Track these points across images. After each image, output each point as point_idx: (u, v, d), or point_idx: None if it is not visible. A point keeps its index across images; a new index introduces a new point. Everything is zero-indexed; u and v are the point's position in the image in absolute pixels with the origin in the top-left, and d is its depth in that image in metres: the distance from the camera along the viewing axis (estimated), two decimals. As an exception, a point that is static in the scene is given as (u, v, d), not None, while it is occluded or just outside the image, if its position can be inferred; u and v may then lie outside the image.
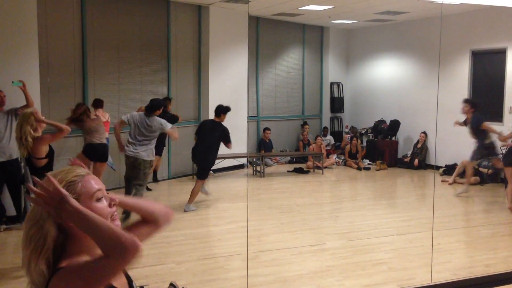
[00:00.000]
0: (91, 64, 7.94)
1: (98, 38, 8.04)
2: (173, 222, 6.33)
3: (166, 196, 8.22)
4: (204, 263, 5.09)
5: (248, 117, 9.40)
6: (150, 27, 8.81)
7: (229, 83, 9.78)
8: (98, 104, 7.60)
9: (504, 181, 8.70)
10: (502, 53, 9.06)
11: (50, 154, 5.06)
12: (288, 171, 10.18)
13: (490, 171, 8.95)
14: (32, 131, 4.88)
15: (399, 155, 11.01)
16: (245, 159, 9.46)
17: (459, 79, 9.81)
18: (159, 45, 8.97)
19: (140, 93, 8.72)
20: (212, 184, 8.83)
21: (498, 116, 9.14)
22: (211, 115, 9.55)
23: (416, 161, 10.36)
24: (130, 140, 6.50)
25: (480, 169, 9.12)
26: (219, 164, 9.26)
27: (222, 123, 7.11)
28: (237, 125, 9.03)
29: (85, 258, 1.45)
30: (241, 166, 10.03)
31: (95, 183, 1.47)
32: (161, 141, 8.05)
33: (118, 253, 1.28)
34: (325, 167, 10.43)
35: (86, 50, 7.84)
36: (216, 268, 4.98)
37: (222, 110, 7.14)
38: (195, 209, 7.08)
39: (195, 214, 7.06)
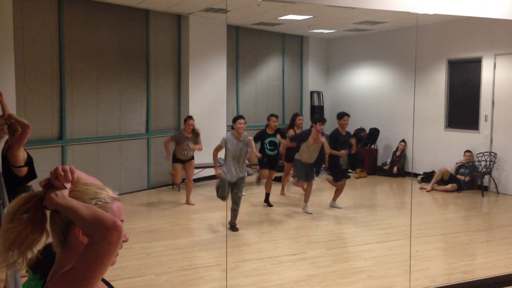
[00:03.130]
0: (68, 73, 7.85)
1: (76, 47, 7.96)
2: (153, 233, 6.27)
3: (146, 206, 8.15)
4: (184, 274, 5.04)
5: (228, 126, 9.38)
6: (129, 36, 8.77)
7: (209, 92, 9.77)
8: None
9: (480, 188, 8.86)
10: (477, 62, 9.25)
11: (29, 161, 4.95)
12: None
13: (467, 178, 9.09)
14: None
15: (379, 163, 11.11)
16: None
17: (436, 88, 9.97)
18: (139, 54, 8.92)
19: (119, 102, 8.66)
20: (193, 194, 8.77)
21: (474, 125, 9.31)
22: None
23: (395, 169, 10.47)
24: None
25: (458, 176, 9.25)
26: (199, 173, 9.21)
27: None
28: (217, 134, 9.01)
29: None
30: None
31: (122, 213, 1.44)
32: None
33: (99, 234, 1.26)
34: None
35: (63, 59, 7.76)
36: (196, 279, 4.95)
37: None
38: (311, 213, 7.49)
39: (175, 224, 7.01)
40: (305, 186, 7.77)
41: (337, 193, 7.94)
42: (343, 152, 7.67)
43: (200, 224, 7.16)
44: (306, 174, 7.56)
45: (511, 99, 8.76)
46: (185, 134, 7.91)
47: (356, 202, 8.70)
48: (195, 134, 7.93)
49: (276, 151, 8.06)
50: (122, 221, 1.42)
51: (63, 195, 1.34)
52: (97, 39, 8.27)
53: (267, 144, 8.04)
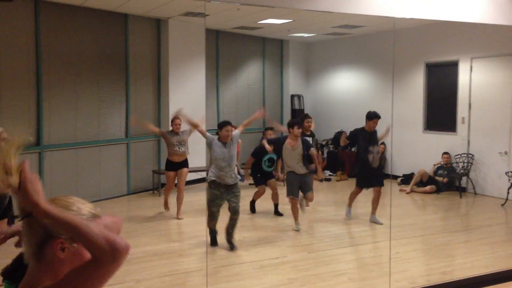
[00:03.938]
0: (46, 78, 7.74)
1: (54, 52, 7.86)
2: (133, 238, 6.21)
3: (126, 212, 8.07)
4: (164, 280, 5.00)
5: (208, 130, 9.34)
6: (108, 41, 8.69)
7: (189, 96, 9.74)
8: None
9: (458, 189, 8.98)
10: (454, 65, 9.39)
11: None
12: (250, 184, 10.15)
13: (445, 179, 9.22)
14: None
15: (359, 166, 11.18)
16: (205, 172, 9.38)
17: (415, 91, 10.09)
18: (117, 59, 8.85)
19: (98, 107, 8.56)
20: (173, 199, 8.71)
21: (451, 127, 9.44)
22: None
23: (375, 171, 10.54)
24: None
25: (436, 177, 9.37)
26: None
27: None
28: (197, 138, 8.97)
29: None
30: (201, 180, 9.95)
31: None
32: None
33: (111, 256, 1.23)
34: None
35: (40, 64, 7.64)
36: (176, 285, 4.91)
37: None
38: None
39: (155, 230, 6.95)
40: (302, 201, 7.01)
41: (374, 203, 7.04)
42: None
43: (180, 229, 7.11)
44: (301, 186, 6.81)
45: (487, 101, 8.91)
46: (174, 132, 7.58)
47: (337, 205, 8.73)
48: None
49: (272, 167, 7.94)
50: None
51: (56, 213, 1.24)
52: (75, 43, 8.17)
53: (266, 161, 7.71)
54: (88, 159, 8.38)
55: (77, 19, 8.17)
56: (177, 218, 7.42)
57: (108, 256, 1.23)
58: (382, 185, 7.10)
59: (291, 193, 6.81)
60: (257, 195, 7.81)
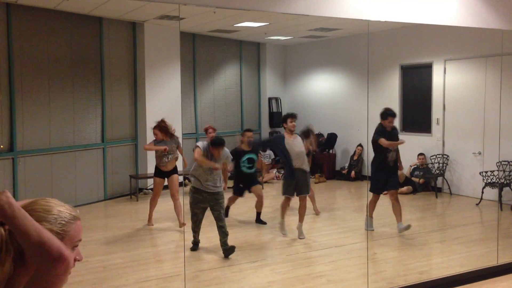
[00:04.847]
0: (18, 83, 7.59)
1: (26, 56, 7.72)
2: (110, 244, 6.15)
3: (102, 217, 7.96)
4: (142, 287, 4.94)
5: (185, 134, 9.31)
6: (82, 44, 8.57)
7: (166, 100, 9.67)
8: None
9: (434, 190, 9.11)
10: (428, 67, 9.53)
11: None
12: (229, 187, 10.11)
13: (421, 180, 9.34)
14: None
15: (337, 168, 11.27)
16: (181, 177, 9.31)
17: (390, 93, 10.20)
18: (92, 63, 8.73)
19: (73, 111, 8.44)
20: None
21: (427, 128, 9.57)
22: (149, 133, 9.39)
23: (352, 173, 10.63)
24: None
25: (413, 178, 9.48)
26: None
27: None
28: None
29: None
30: (179, 184, 9.88)
31: (80, 232, 1.41)
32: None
33: (45, 264, 1.20)
34: (265, 182, 10.48)
35: (13, 68, 7.50)
36: (154, 291, 4.86)
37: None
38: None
39: (133, 235, 6.87)
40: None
41: (396, 211, 6.57)
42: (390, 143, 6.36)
43: (158, 234, 7.04)
44: (299, 185, 6.51)
45: (460, 102, 9.06)
46: (160, 139, 6.99)
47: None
48: (172, 136, 7.06)
49: (254, 168, 7.26)
50: (80, 240, 1.40)
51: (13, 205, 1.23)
52: (48, 47, 8.04)
53: (245, 161, 7.16)
54: (63, 165, 8.24)
55: (50, 23, 8.04)
56: (180, 227, 6.76)
57: (43, 264, 1.20)
58: (397, 187, 6.82)
59: (290, 194, 6.58)
60: (232, 201, 7.51)
